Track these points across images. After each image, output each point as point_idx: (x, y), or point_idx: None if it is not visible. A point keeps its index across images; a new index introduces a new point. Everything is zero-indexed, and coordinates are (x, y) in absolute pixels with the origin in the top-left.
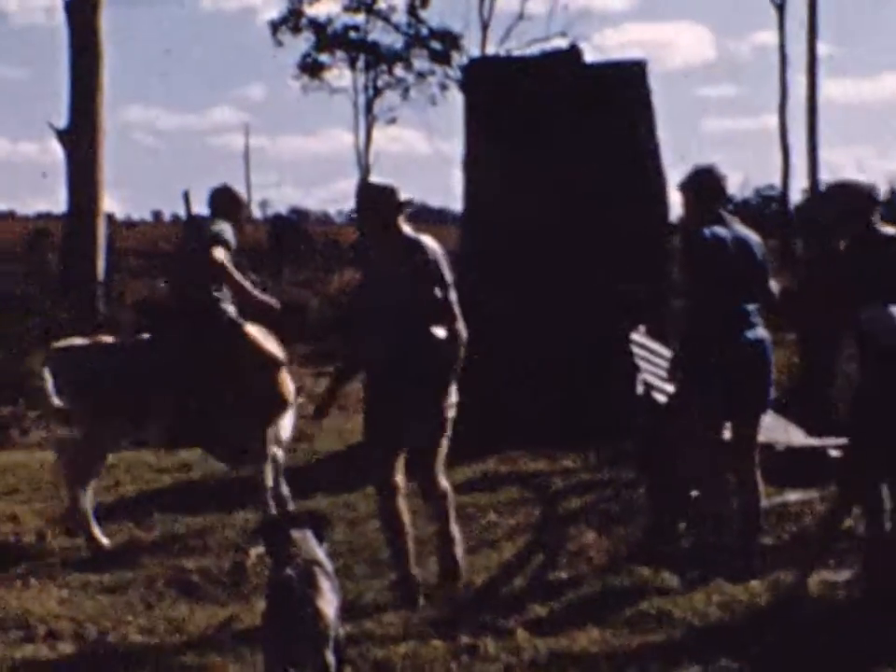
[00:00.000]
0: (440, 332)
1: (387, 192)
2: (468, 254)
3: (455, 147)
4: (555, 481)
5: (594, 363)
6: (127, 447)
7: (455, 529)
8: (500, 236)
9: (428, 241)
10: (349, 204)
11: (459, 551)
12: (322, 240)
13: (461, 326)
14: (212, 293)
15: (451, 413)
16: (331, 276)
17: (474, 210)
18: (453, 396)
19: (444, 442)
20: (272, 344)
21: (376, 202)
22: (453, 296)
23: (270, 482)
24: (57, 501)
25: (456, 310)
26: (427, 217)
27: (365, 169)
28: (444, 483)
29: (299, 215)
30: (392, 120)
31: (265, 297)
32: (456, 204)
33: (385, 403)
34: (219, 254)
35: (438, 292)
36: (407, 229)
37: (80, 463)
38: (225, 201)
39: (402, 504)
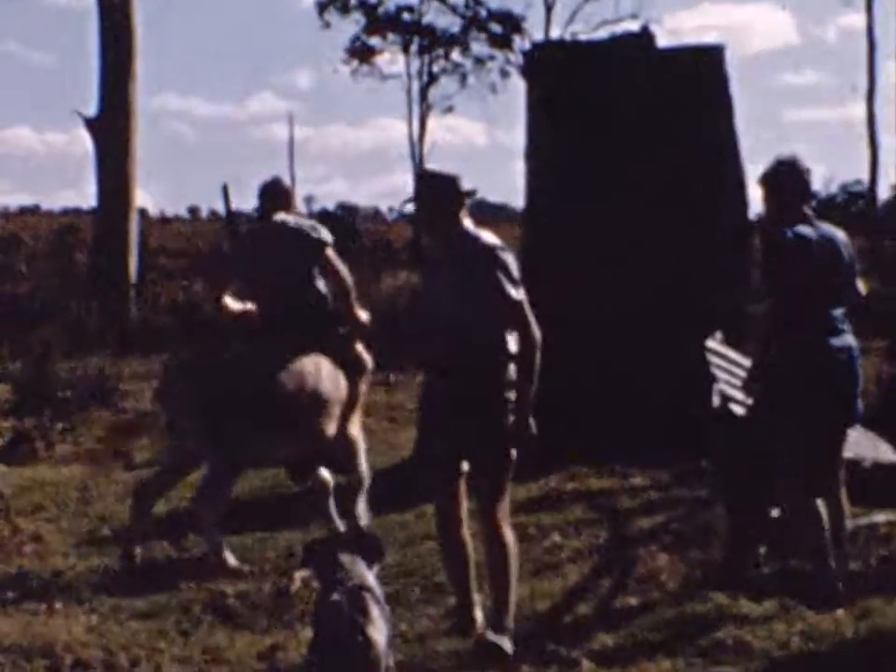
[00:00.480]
0: (509, 338)
1: (448, 181)
2: (528, 253)
3: (516, 138)
4: (624, 499)
5: (665, 372)
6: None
7: (512, 584)
8: (563, 234)
9: (491, 237)
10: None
11: (512, 606)
12: (373, 238)
13: (535, 329)
14: (322, 292)
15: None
16: (382, 277)
17: (536, 206)
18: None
19: (508, 473)
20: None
21: (436, 190)
22: (522, 295)
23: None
24: (85, 520)
25: (527, 311)
26: (486, 213)
27: (419, 162)
28: (508, 532)
29: (347, 211)
30: (448, 109)
31: (361, 311)
32: (518, 200)
33: (443, 419)
34: (336, 258)
35: (508, 291)
36: (468, 223)
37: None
38: (279, 193)
39: (465, 532)
